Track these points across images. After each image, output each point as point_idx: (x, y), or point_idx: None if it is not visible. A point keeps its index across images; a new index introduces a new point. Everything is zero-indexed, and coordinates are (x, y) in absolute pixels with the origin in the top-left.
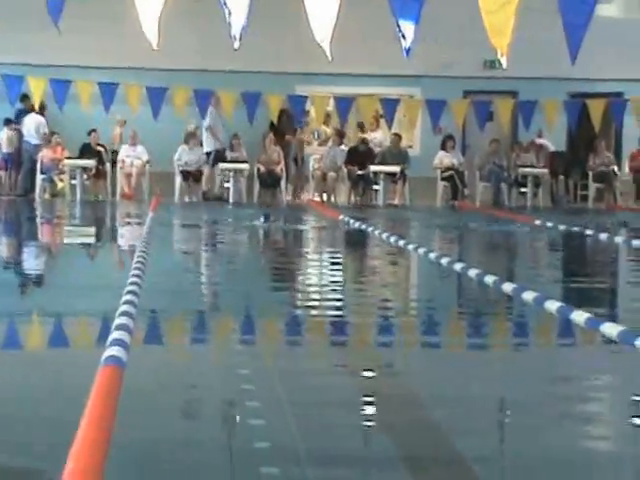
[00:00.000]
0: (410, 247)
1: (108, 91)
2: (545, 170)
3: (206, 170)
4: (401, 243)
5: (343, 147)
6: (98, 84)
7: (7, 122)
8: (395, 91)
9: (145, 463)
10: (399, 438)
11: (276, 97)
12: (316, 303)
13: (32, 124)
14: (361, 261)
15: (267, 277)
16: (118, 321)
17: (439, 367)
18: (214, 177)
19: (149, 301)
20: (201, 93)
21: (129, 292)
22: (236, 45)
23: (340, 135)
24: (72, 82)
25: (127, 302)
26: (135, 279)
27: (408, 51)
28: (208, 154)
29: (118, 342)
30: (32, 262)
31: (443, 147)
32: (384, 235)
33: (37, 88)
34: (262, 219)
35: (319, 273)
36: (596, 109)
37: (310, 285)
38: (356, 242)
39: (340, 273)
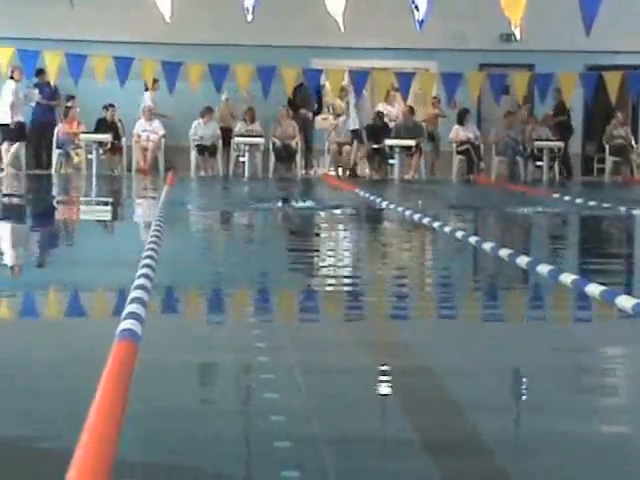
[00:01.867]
0: (426, 220)
1: (123, 66)
2: (561, 143)
3: (354, 145)
4: (416, 217)
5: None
6: (113, 58)
7: (68, 98)
8: (410, 64)
9: (159, 436)
10: (414, 413)
11: (291, 71)
12: (330, 280)
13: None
14: (376, 235)
15: (283, 252)
16: (133, 294)
17: (453, 339)
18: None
19: (164, 275)
20: (216, 68)
21: (144, 266)
22: (249, 18)
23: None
24: (87, 57)
25: (142, 275)
26: (151, 252)
27: (421, 23)
28: (354, 131)
29: (133, 315)
30: (48, 236)
31: (460, 121)
32: (399, 209)
33: (52, 63)
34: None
35: (333, 248)
36: (613, 82)
37: (324, 261)
38: (371, 215)
39: (355, 248)
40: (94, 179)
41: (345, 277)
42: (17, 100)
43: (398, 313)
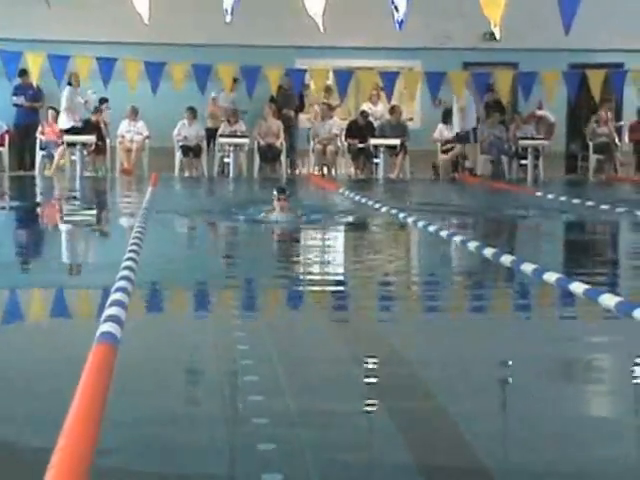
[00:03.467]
0: (409, 220)
1: (106, 66)
2: (545, 142)
3: (457, 147)
4: (401, 216)
5: (336, 119)
6: (96, 59)
7: (102, 101)
8: (395, 64)
9: (137, 440)
10: (403, 417)
11: (276, 71)
12: (314, 284)
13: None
14: (359, 235)
15: (267, 253)
16: (113, 297)
17: (437, 334)
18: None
19: (146, 277)
20: (200, 68)
21: (125, 268)
22: (228, 19)
23: (329, 109)
24: (70, 57)
25: (123, 278)
26: (132, 254)
27: (401, 24)
28: (458, 134)
29: (112, 318)
30: (30, 238)
31: (444, 120)
32: (383, 208)
33: (35, 64)
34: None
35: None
36: (596, 80)
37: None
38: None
39: (340, 247)
40: (78, 180)
41: (331, 274)
42: (72, 105)
43: (384, 316)
